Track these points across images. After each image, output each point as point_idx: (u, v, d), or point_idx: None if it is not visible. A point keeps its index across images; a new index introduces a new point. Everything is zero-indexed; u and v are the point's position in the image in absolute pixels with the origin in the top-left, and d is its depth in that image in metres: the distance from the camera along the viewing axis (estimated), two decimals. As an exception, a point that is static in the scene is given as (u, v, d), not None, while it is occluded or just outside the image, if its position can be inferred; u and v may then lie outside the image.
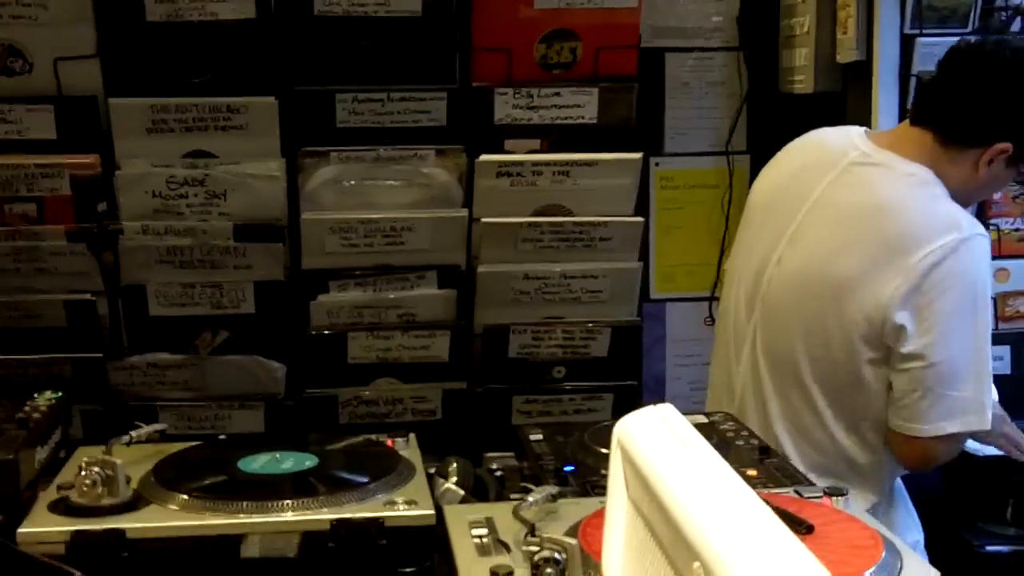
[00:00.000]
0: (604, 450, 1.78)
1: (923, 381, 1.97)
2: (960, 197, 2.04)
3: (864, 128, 2.15)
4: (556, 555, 1.27)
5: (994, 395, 2.06)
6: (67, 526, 1.55)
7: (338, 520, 1.55)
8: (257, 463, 1.71)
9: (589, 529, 1.43)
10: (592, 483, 1.68)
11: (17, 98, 2.43)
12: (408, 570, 1.56)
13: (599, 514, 1.51)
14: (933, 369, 1.96)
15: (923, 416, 1.98)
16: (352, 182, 2.53)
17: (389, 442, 1.85)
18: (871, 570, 1.27)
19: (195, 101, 2.45)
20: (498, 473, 1.87)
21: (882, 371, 2.01)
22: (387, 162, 2.54)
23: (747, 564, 0.80)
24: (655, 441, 1.05)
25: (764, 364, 2.12)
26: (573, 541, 1.29)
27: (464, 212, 2.59)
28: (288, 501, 1.59)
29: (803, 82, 2.81)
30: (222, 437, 2.29)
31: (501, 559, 1.44)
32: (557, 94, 2.63)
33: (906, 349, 1.97)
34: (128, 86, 2.44)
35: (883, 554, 1.30)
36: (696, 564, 0.85)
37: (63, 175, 2.41)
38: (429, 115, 2.57)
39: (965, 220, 1.98)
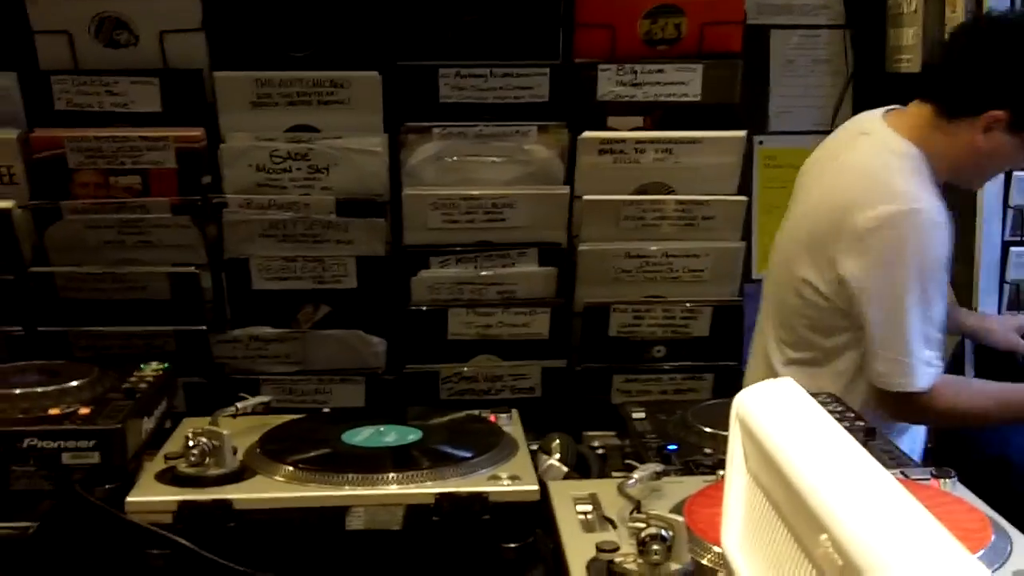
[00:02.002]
0: (708, 429, 1.76)
1: (864, 339, 2.12)
2: (964, 172, 2.13)
3: (894, 106, 2.21)
4: (663, 532, 1.25)
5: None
6: (174, 496, 1.56)
7: (442, 494, 1.54)
8: (361, 436, 1.71)
9: (694, 507, 1.41)
10: (695, 462, 1.66)
11: (123, 71, 2.45)
12: (511, 545, 1.54)
13: (704, 492, 1.50)
14: (867, 329, 2.10)
15: (868, 369, 2.13)
16: (454, 158, 2.52)
17: (492, 417, 1.84)
18: (980, 553, 1.23)
19: (299, 75, 2.45)
20: (600, 451, 1.85)
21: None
22: (489, 138, 2.52)
23: (877, 535, 0.77)
24: (776, 414, 1.03)
25: (763, 321, 2.35)
26: (680, 518, 1.27)
27: (566, 189, 2.56)
28: (392, 474, 1.59)
29: (910, 61, 2.74)
30: (325, 410, 2.30)
31: (606, 535, 1.42)
32: (661, 71, 2.59)
33: (847, 307, 2.12)
34: (232, 59, 2.45)
35: (992, 537, 1.27)
36: (824, 536, 0.82)
37: (168, 148, 2.43)
38: (531, 91, 2.55)
39: (912, 194, 2.05)
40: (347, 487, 1.57)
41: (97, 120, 2.45)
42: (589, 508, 1.53)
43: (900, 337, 2.08)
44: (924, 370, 2.09)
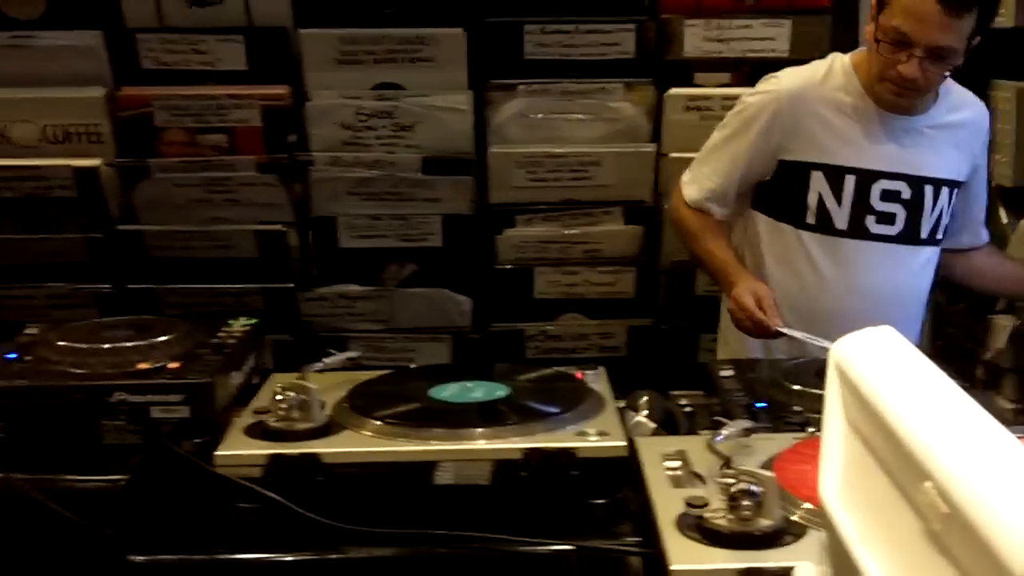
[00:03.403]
0: (796, 387, 1.73)
1: None
2: (871, 81, 2.08)
3: None
4: (753, 488, 1.23)
5: None
6: (264, 449, 1.56)
7: (530, 449, 1.52)
8: (448, 392, 1.70)
9: (784, 464, 1.39)
10: (784, 419, 1.64)
11: (209, 29, 2.45)
12: (599, 501, 1.53)
13: (794, 449, 1.47)
14: None
15: None
16: (539, 116, 2.49)
17: (578, 374, 1.82)
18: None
19: (384, 32, 2.43)
20: (687, 409, 1.82)
21: None
22: (574, 95, 2.49)
23: (984, 480, 0.74)
24: (875, 362, 1.00)
25: None
26: (770, 474, 1.25)
27: (652, 147, 2.52)
28: (480, 429, 1.58)
29: (1003, 16, 2.64)
30: (412, 366, 2.29)
31: (695, 491, 1.40)
32: (748, 26, 2.53)
33: None
34: (317, 16, 2.44)
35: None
36: (928, 483, 0.79)
37: (254, 106, 2.43)
38: (617, 48, 2.50)
39: (785, 72, 2.18)
40: (435, 442, 1.56)
41: (183, 78, 2.46)
42: (678, 464, 1.51)
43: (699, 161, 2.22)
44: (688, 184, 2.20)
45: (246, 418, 1.67)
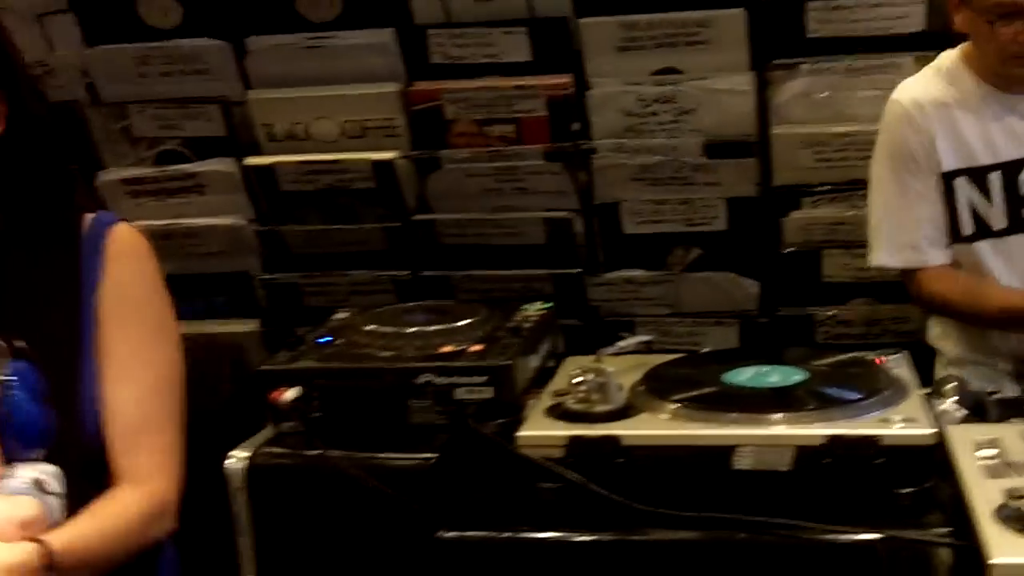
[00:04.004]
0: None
1: None
2: (988, 65, 2.03)
3: None
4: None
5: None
6: (564, 431, 1.60)
7: (833, 436, 1.50)
8: (743, 376, 1.69)
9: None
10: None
11: (493, 22, 2.50)
12: (905, 491, 1.48)
13: None
14: None
15: None
16: (824, 94, 2.42)
17: (877, 359, 1.77)
18: None
19: (663, 17, 2.42)
20: (996, 396, 1.74)
21: None
22: (860, 72, 2.40)
23: None
24: None
25: None
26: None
27: (945, 122, 2.40)
28: (780, 414, 1.56)
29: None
30: (704, 350, 2.29)
31: (1015, 481, 1.34)
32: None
33: None
34: (596, 5, 2.45)
35: None
36: None
37: (539, 96, 2.47)
38: (905, 20, 2.40)
39: (902, 86, 2.16)
40: (733, 426, 1.55)
41: (470, 71, 2.52)
42: (992, 453, 1.45)
43: (871, 212, 2.17)
44: (888, 249, 2.13)
45: (545, 400, 1.71)
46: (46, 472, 1.36)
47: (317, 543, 1.70)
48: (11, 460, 1.35)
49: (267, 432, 1.75)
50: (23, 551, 1.29)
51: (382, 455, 1.67)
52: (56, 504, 1.36)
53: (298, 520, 1.70)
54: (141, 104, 2.59)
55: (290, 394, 1.70)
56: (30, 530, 1.31)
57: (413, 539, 1.61)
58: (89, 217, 1.56)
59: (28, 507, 1.32)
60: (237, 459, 1.70)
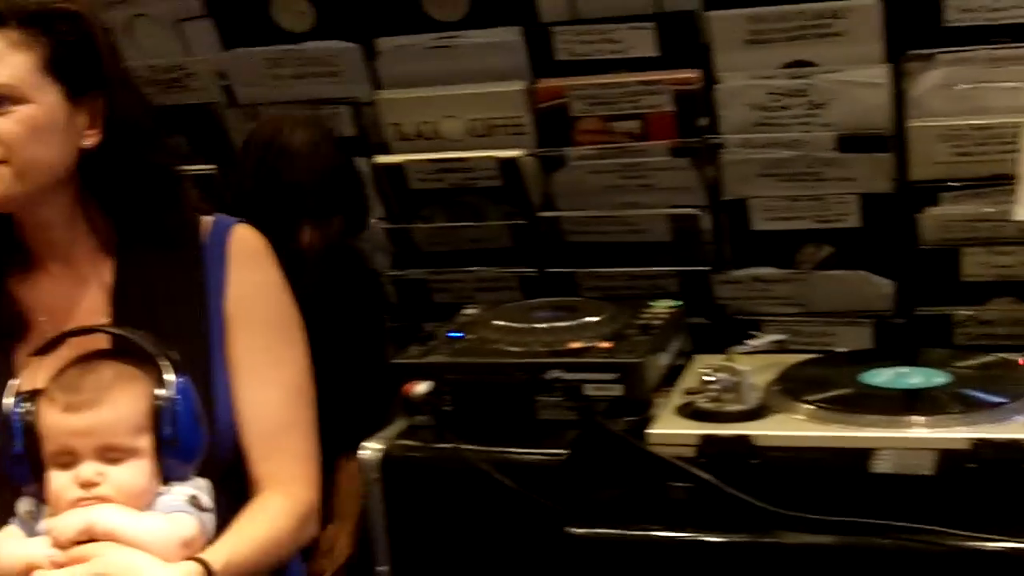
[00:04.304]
0: None
1: None
2: None
3: None
4: None
5: None
6: (695, 430, 1.59)
7: (980, 440, 1.45)
8: (881, 377, 1.65)
9: None
10: None
11: (619, 17, 2.48)
12: (1056, 499, 1.43)
13: None
14: None
15: None
16: (963, 86, 2.34)
17: (1021, 361, 1.71)
18: None
19: (794, 9, 2.37)
20: None
21: None
22: (1003, 62, 2.32)
23: None
24: None
25: None
26: None
27: (1092, 113, 2.31)
28: (921, 417, 1.52)
29: None
30: (840, 350, 2.24)
31: None
32: None
33: None
34: (728, -3, 2.42)
35: None
36: None
37: (666, 91, 2.44)
38: (1049, 8, 2.31)
39: None
40: (872, 429, 1.52)
41: (595, 68, 2.51)
42: None
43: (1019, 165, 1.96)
44: None
45: (675, 398, 1.69)
46: (199, 487, 1.35)
47: (448, 535, 1.71)
48: (168, 478, 1.34)
49: (400, 424, 1.77)
50: (187, 571, 1.28)
51: (512, 450, 1.68)
52: (210, 520, 1.35)
53: (430, 512, 1.71)
54: (275, 106, 2.64)
55: (422, 388, 1.72)
56: (190, 548, 1.31)
57: (542, 534, 1.61)
58: (208, 220, 1.52)
59: (187, 525, 1.31)
60: (372, 450, 1.72)
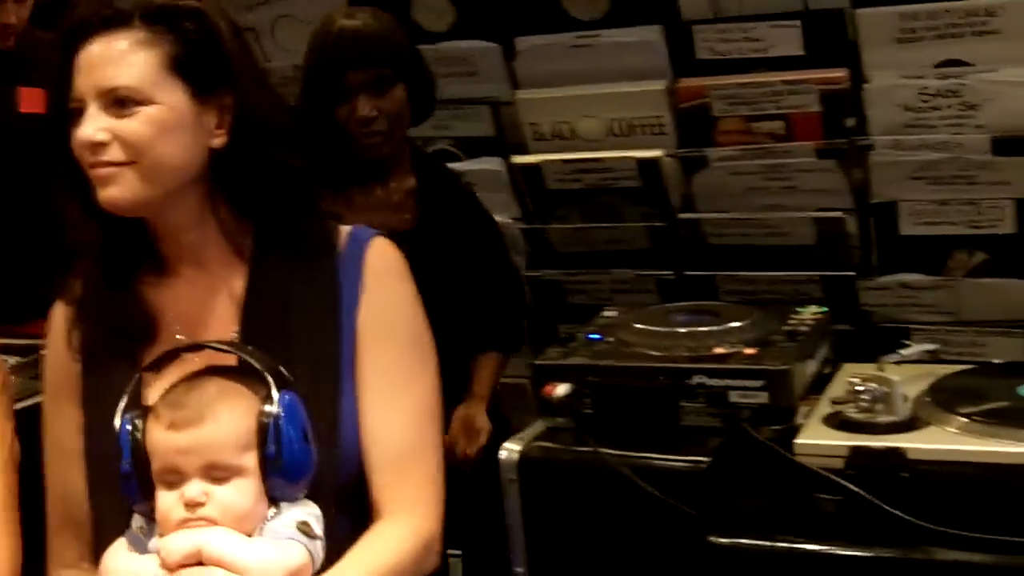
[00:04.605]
0: None
1: None
2: None
3: None
4: None
5: None
6: (844, 441, 1.54)
7: None
8: (1040, 391, 1.59)
9: None
10: None
11: (763, 16, 2.44)
12: None
13: None
14: None
15: None
16: None
17: None
18: None
19: (947, 6, 2.29)
20: None
21: None
22: None
23: None
24: None
25: None
26: None
27: None
28: (1085, 435, 1.45)
29: None
30: (996, 361, 2.15)
31: None
32: None
33: None
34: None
35: None
36: None
37: (811, 91, 2.38)
38: None
39: None
40: (1030, 444, 1.45)
41: (737, 67, 2.46)
42: None
43: None
44: None
45: (822, 407, 1.65)
46: (310, 513, 1.30)
47: (585, 539, 1.70)
48: (274, 498, 1.28)
49: (538, 426, 1.76)
50: None
51: (653, 455, 1.65)
52: (319, 548, 1.29)
53: (567, 515, 1.70)
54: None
55: (562, 389, 1.71)
56: None
57: (682, 542, 1.58)
58: (345, 231, 1.45)
59: (296, 555, 1.26)
60: (510, 451, 1.71)
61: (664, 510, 1.60)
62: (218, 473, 1.26)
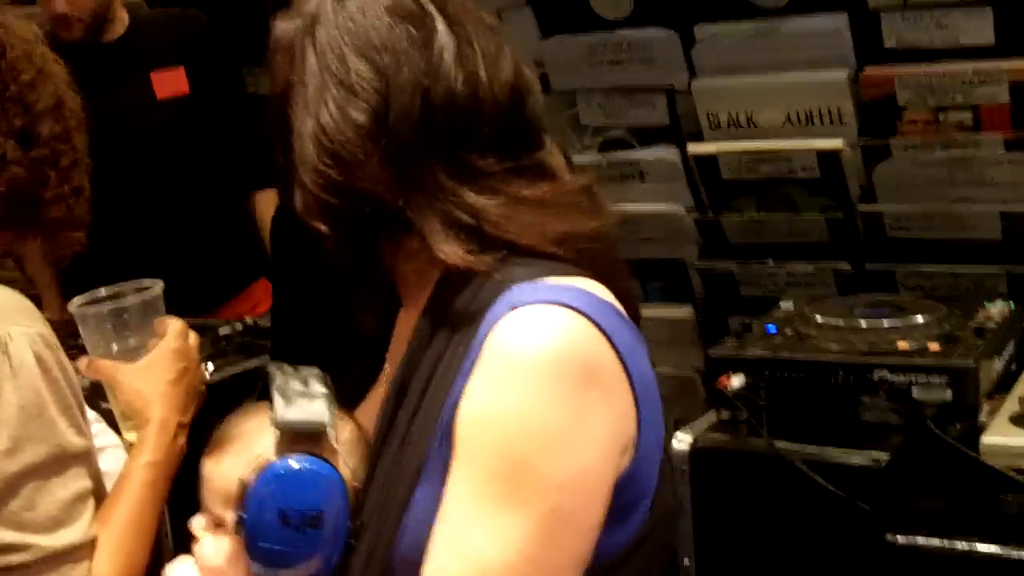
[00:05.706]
0: None
1: None
2: None
3: None
4: None
5: None
6: (1032, 440, 1.49)
7: None
8: None
9: None
10: None
11: (954, 3, 2.36)
12: None
13: None
14: None
15: None
16: None
17: None
18: None
19: None
20: None
21: None
22: None
23: None
24: None
25: None
26: None
27: None
28: None
29: None
30: None
31: None
32: None
33: None
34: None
35: None
36: None
37: (1001, 81, 2.30)
38: None
39: None
40: None
41: (926, 56, 2.39)
42: None
43: None
44: None
45: (1010, 406, 1.60)
46: None
47: (755, 532, 1.68)
48: None
49: (710, 416, 1.75)
50: None
51: (830, 450, 1.63)
52: None
53: (737, 507, 1.69)
54: (589, 93, 2.66)
55: (736, 381, 1.69)
56: None
57: (858, 539, 1.55)
58: (501, 293, 1.07)
59: None
60: (681, 440, 1.71)
61: (838, 506, 1.58)
62: (212, 516, 1.16)
